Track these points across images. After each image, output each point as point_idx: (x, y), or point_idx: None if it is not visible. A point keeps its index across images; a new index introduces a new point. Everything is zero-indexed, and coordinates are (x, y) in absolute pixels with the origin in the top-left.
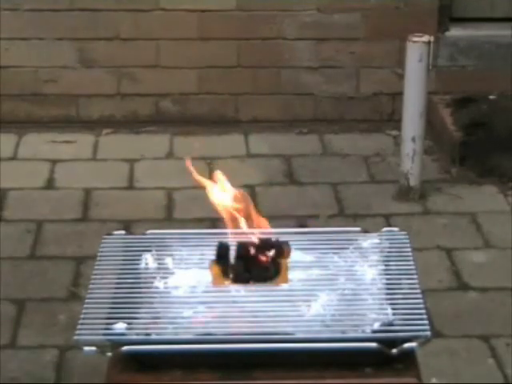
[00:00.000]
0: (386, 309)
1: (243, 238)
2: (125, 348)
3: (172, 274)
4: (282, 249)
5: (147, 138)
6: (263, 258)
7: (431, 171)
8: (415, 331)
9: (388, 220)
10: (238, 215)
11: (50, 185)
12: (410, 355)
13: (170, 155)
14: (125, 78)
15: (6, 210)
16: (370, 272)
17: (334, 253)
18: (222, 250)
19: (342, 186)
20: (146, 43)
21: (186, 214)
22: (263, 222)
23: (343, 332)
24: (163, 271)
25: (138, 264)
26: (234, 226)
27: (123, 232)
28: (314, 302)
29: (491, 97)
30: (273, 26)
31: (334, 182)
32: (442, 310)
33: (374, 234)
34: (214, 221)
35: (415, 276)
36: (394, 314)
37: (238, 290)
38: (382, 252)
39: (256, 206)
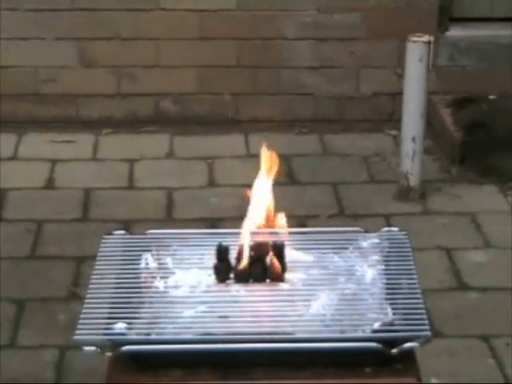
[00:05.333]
0: (386, 309)
1: (242, 239)
2: (125, 348)
3: (172, 273)
4: (281, 249)
5: (147, 138)
6: (262, 259)
7: (431, 171)
8: (415, 331)
9: (388, 220)
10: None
11: (49, 185)
12: (409, 355)
13: (170, 155)
14: (125, 78)
15: (5, 210)
16: (369, 272)
17: (334, 253)
18: (222, 252)
19: (342, 186)
20: (145, 43)
21: (185, 214)
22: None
23: (343, 332)
24: (163, 271)
25: (137, 264)
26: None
27: (123, 232)
28: (313, 301)
29: (491, 97)
30: (273, 26)
31: (334, 181)
32: (442, 310)
33: (374, 234)
34: (214, 221)
35: (415, 276)
36: (394, 314)
37: (238, 290)
38: (381, 252)
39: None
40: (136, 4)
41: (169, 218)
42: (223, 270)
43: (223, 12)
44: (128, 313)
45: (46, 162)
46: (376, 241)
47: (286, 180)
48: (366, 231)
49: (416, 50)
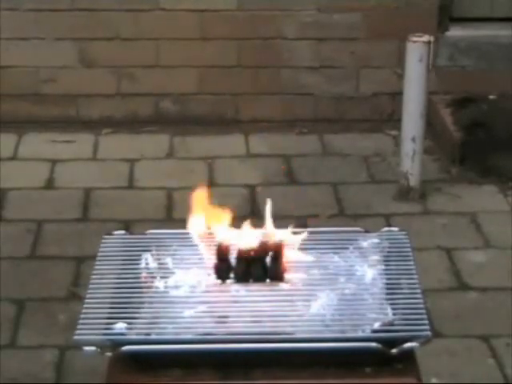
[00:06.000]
0: (386, 309)
1: (243, 239)
2: (125, 348)
3: (172, 273)
4: (280, 249)
5: (147, 138)
6: (263, 258)
7: (431, 171)
8: (415, 331)
9: (388, 220)
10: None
11: (50, 185)
12: (409, 355)
13: (169, 155)
14: (125, 78)
15: (5, 210)
16: (369, 272)
17: (334, 253)
18: (222, 251)
19: (342, 186)
20: (146, 43)
21: (185, 213)
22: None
23: (343, 332)
24: (163, 271)
25: (137, 264)
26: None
27: (123, 232)
28: (313, 301)
29: (491, 97)
30: (273, 25)
31: (334, 181)
32: (442, 310)
33: (374, 234)
34: None
35: (415, 276)
36: (394, 314)
37: (238, 290)
38: (382, 252)
39: (256, 205)
40: (136, 4)
41: (169, 218)
42: (223, 269)
43: (223, 12)
44: (128, 313)
45: (46, 162)
46: (376, 241)
47: (286, 180)
48: (366, 231)
49: (416, 49)
